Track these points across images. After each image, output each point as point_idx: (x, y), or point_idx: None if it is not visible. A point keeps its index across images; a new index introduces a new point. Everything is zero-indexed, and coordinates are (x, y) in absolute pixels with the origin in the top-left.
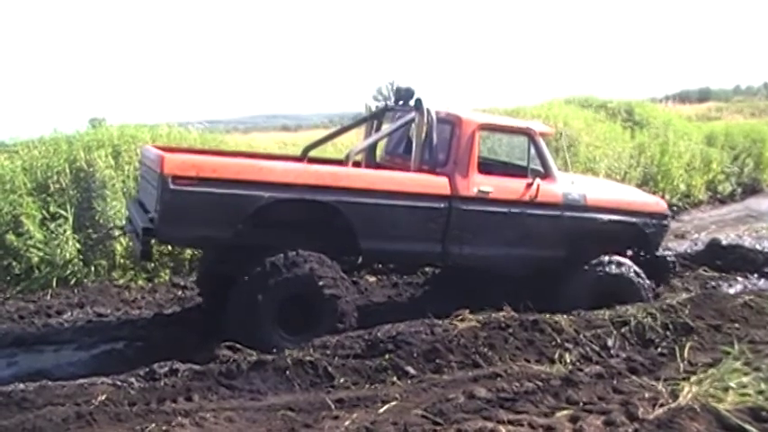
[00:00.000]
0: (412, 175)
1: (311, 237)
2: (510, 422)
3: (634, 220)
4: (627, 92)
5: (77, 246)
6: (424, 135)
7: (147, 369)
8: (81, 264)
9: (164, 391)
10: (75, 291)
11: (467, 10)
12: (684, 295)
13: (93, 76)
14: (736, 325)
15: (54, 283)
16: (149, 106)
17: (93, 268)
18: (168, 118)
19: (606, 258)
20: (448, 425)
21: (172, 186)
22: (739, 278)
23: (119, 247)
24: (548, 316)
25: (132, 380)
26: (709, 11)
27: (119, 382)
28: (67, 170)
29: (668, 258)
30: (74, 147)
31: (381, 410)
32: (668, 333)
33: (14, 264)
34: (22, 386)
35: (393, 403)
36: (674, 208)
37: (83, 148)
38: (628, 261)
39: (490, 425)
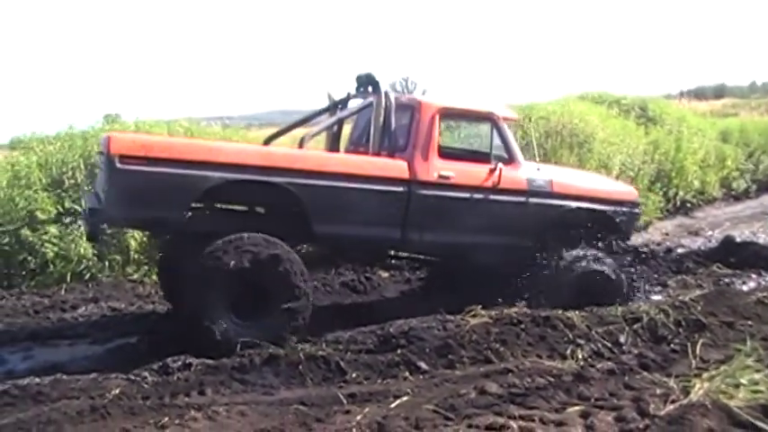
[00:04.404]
0: (368, 157)
1: (264, 221)
2: (521, 417)
3: (603, 207)
4: (641, 88)
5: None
6: (382, 119)
7: (161, 363)
8: (95, 259)
9: (177, 386)
10: (90, 286)
11: (481, 4)
12: (697, 292)
13: (107, 73)
14: (749, 322)
15: (69, 278)
16: (164, 102)
17: (107, 263)
18: (183, 114)
19: (583, 253)
20: (459, 420)
21: (119, 166)
22: (753, 275)
23: (133, 243)
24: (560, 312)
25: (146, 374)
26: (725, 6)
27: (132, 377)
28: (82, 166)
29: (639, 249)
30: (89, 142)
31: (393, 405)
32: (680, 330)
33: (30, 259)
34: (37, 380)
35: (405, 398)
36: (688, 205)
37: (98, 144)
38: (603, 254)
39: (501, 420)
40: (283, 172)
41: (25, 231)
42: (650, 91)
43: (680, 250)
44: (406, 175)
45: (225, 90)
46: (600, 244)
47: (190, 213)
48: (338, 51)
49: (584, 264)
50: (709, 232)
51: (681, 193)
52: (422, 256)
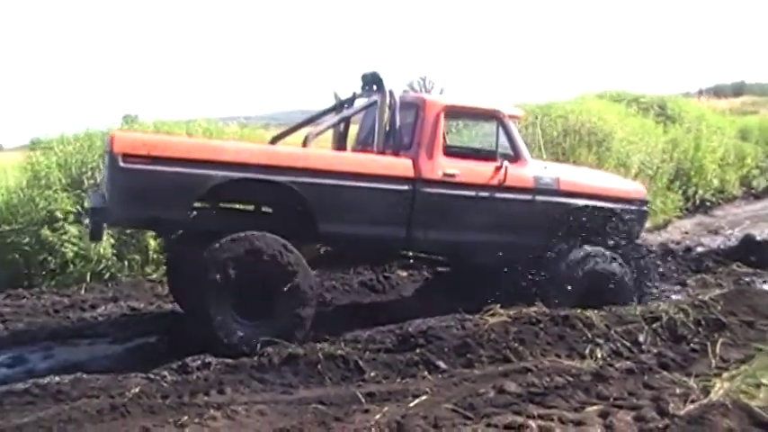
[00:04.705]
0: (373, 156)
1: (270, 220)
2: (540, 417)
3: (611, 205)
4: (660, 86)
5: (111, 241)
6: (386, 118)
7: (180, 363)
8: (115, 259)
9: (196, 385)
10: (109, 285)
11: (499, 3)
12: (717, 291)
13: (125, 73)
14: None
15: (88, 278)
16: (183, 103)
17: (126, 263)
18: (202, 114)
19: (587, 250)
20: (478, 419)
21: (122, 164)
22: None
23: (152, 243)
24: (579, 311)
25: (165, 373)
26: (743, 4)
27: (152, 376)
28: (101, 166)
29: (649, 248)
30: None
31: (412, 404)
32: (700, 329)
33: (50, 258)
34: (57, 379)
35: (424, 397)
36: (708, 203)
37: None
38: (612, 253)
39: (520, 419)
40: (286, 171)
41: (45, 231)
42: (669, 89)
43: (699, 249)
44: (410, 173)
45: (244, 90)
46: (608, 242)
47: (195, 213)
48: (358, 51)
49: (591, 262)
50: (729, 231)
51: (700, 192)
52: (428, 255)
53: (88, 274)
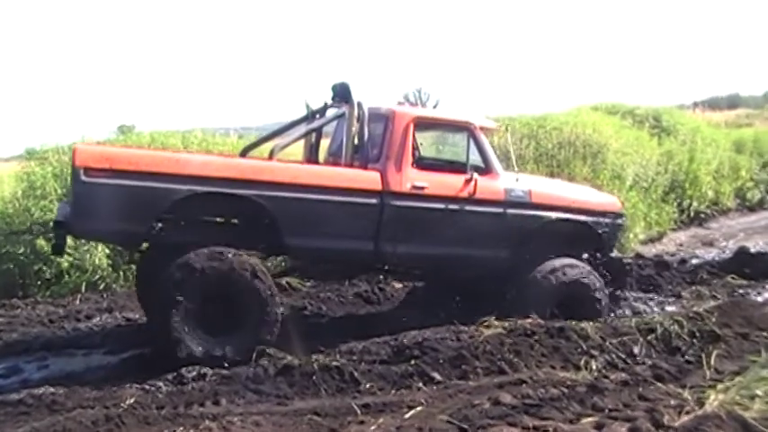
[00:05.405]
0: (340, 169)
1: (234, 233)
2: (535, 428)
3: (585, 218)
4: (655, 98)
5: (106, 251)
6: (354, 130)
7: (176, 373)
8: (110, 269)
9: (191, 395)
10: (105, 296)
11: (492, 15)
12: (712, 303)
13: (123, 83)
14: (764, 333)
15: (83, 288)
16: (180, 113)
17: (121, 273)
18: (200, 124)
19: (560, 262)
20: (473, 430)
21: (83, 178)
22: (767, 286)
23: None
24: (574, 323)
25: (160, 384)
26: (737, 16)
27: (147, 386)
28: None
29: (623, 260)
30: None
31: (407, 416)
32: (695, 341)
33: (45, 268)
34: (52, 389)
35: (419, 409)
36: (702, 215)
37: None
38: (586, 265)
39: (515, 431)
40: (251, 184)
41: (40, 241)
42: (664, 101)
43: (694, 261)
44: (378, 186)
45: (242, 99)
46: (581, 254)
47: (160, 225)
48: (357, 61)
49: (563, 274)
50: (724, 243)
51: (695, 204)
52: (399, 269)
53: (83, 285)
